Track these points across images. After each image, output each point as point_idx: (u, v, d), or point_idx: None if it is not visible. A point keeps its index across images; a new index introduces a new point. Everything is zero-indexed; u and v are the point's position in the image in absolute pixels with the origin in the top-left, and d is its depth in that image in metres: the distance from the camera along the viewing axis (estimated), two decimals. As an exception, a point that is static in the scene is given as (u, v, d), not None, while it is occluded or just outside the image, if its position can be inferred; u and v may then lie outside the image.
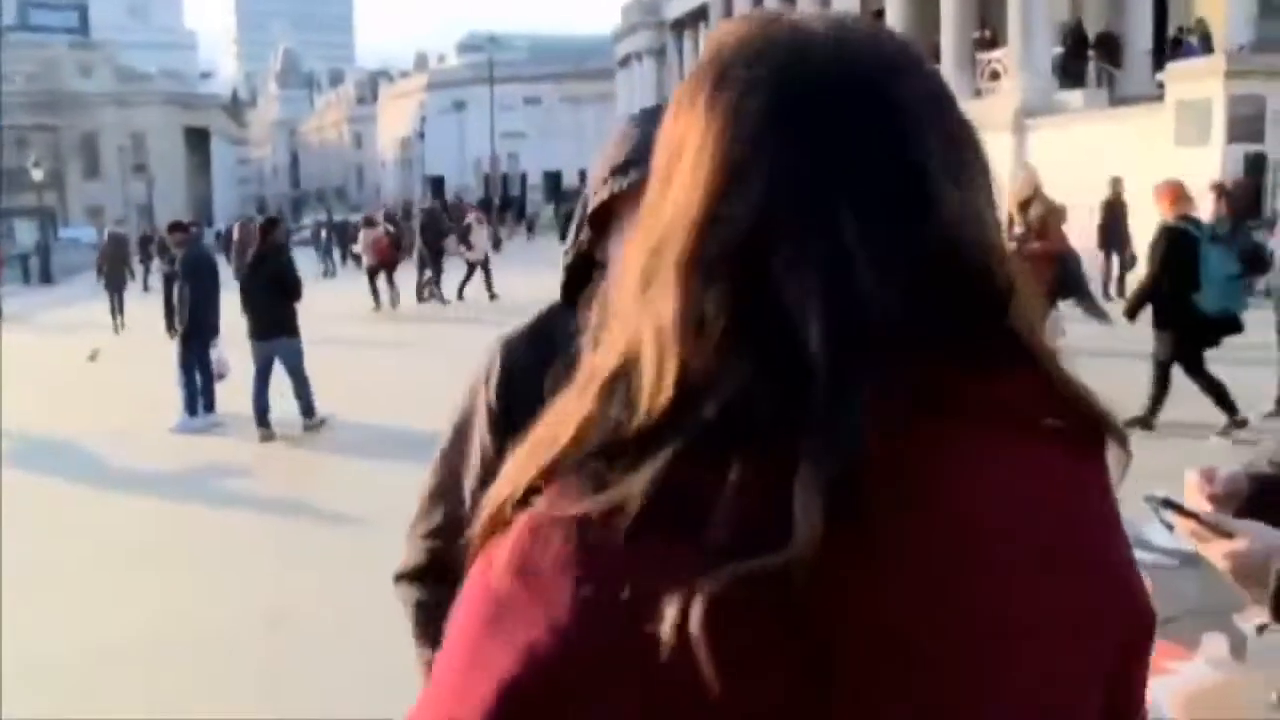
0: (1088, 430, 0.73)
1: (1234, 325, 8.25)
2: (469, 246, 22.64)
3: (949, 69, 29.81)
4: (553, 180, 70.62)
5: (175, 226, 12.86)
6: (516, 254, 35.18)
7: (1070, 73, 27.04)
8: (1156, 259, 8.31)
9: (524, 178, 72.31)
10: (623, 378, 0.67)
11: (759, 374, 0.63)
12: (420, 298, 22.47)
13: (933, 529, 0.64)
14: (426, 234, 23.20)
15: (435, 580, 1.72)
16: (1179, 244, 8.11)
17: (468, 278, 22.27)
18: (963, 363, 0.67)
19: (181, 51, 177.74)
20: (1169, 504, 1.78)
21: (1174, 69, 21.88)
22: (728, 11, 44.63)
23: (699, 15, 49.20)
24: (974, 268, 0.69)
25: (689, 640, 0.58)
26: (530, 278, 21.26)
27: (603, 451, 0.65)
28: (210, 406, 10.94)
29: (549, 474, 0.67)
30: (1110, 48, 27.69)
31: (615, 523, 0.62)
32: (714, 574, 0.59)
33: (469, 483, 1.71)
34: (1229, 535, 1.74)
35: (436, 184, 72.62)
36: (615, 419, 0.66)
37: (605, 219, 1.59)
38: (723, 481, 0.61)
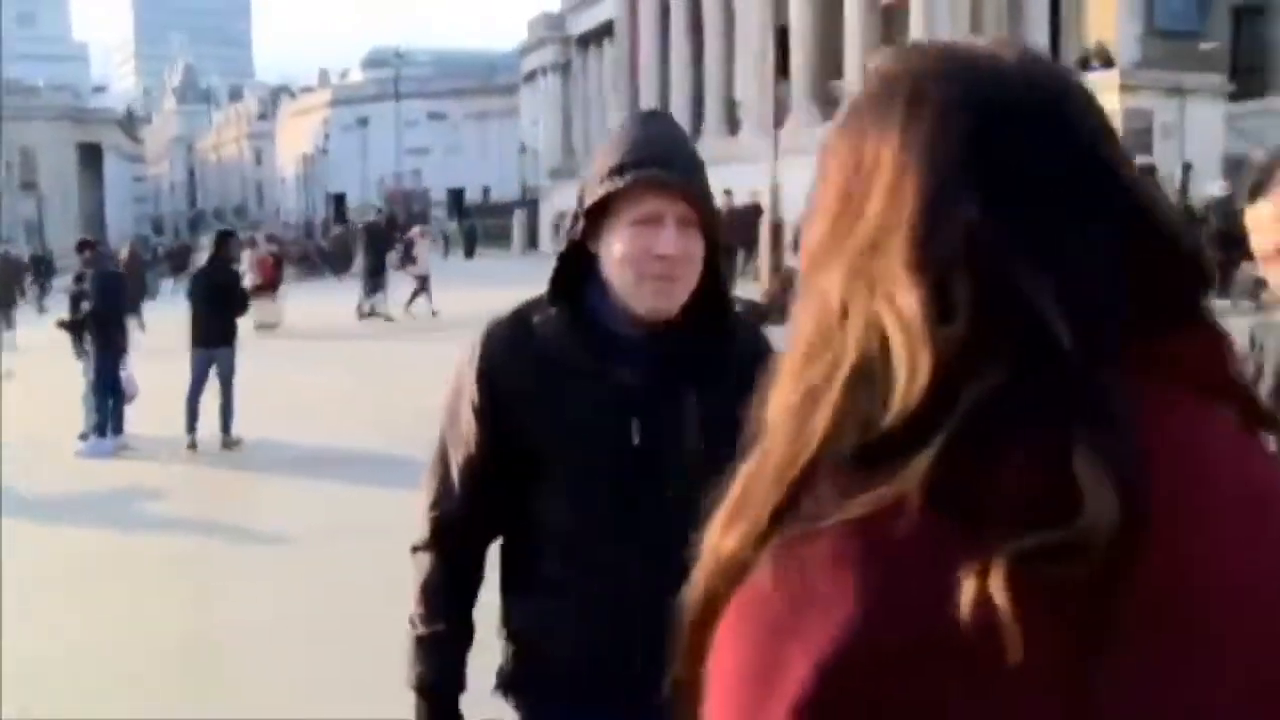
0: (1249, 401, 0.78)
1: None
2: (413, 262, 22.47)
3: (854, 85, 30.36)
4: (456, 197, 70.31)
5: (84, 245, 12.57)
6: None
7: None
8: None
9: (427, 195, 71.94)
10: (865, 376, 0.70)
11: (1015, 364, 0.67)
12: (361, 314, 22.11)
13: (1197, 495, 0.68)
14: (370, 251, 22.89)
15: (438, 548, 1.91)
16: None
17: (416, 293, 22.10)
18: (1169, 336, 0.73)
19: (72, 64, 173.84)
20: None
21: (1069, 84, 22.54)
22: (633, 28, 44.85)
23: (604, 31, 49.39)
24: (1175, 253, 0.76)
25: (990, 614, 0.61)
26: (462, 294, 21.28)
27: (861, 450, 0.69)
28: (119, 429, 10.70)
29: (796, 487, 0.71)
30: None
31: (895, 517, 0.65)
32: (1010, 547, 0.62)
33: (456, 456, 1.87)
34: None
35: (339, 201, 71.81)
36: (865, 416, 0.69)
37: (599, 214, 1.73)
38: (996, 467, 0.65)
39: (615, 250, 1.75)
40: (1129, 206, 0.75)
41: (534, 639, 1.92)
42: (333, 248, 42.02)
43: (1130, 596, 0.64)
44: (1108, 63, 24.26)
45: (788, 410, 0.75)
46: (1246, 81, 27.89)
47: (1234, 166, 20.52)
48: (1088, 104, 0.79)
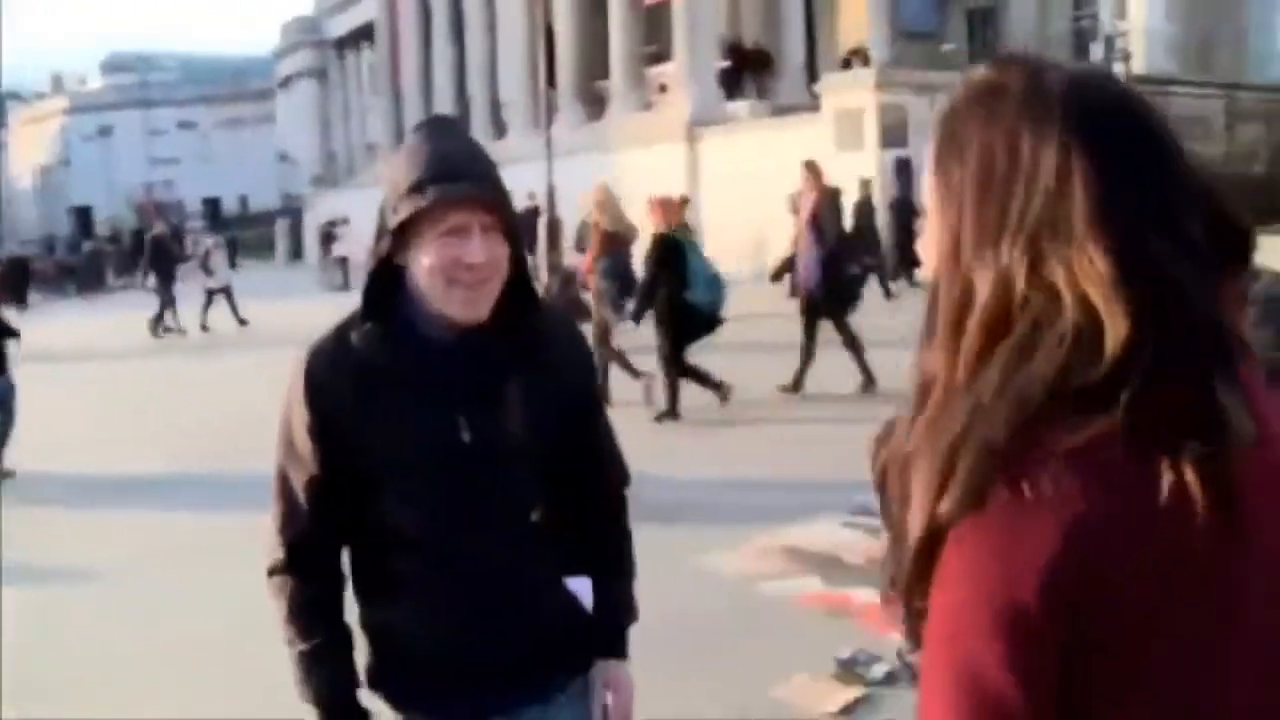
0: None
1: (717, 320, 9.41)
2: (209, 273, 21.36)
3: (619, 84, 30.76)
4: (212, 207, 67.66)
5: None
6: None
7: (732, 85, 28.51)
8: (651, 264, 9.39)
9: (180, 205, 68.99)
10: (1074, 332, 0.90)
11: (1172, 325, 0.90)
12: (155, 333, 20.82)
13: (1258, 403, 0.94)
14: (158, 263, 21.43)
15: (294, 569, 1.93)
16: (670, 250, 9.14)
17: (208, 305, 20.99)
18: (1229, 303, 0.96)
19: None
20: None
21: (829, 81, 23.51)
22: (394, 31, 44.16)
23: (363, 34, 48.43)
24: (1236, 234, 0.99)
25: (1182, 495, 0.87)
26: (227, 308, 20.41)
27: (1080, 393, 0.89)
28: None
29: (1028, 429, 0.90)
30: (763, 62, 29.41)
31: (1106, 444, 0.88)
32: (1192, 450, 0.87)
33: (297, 479, 1.90)
34: None
35: (82, 214, 68.07)
36: (1080, 363, 0.89)
37: (404, 229, 1.79)
38: (1167, 400, 0.88)
39: (424, 262, 1.81)
40: (1202, 186, 0.97)
41: (390, 637, 1.97)
42: (81, 264, 39.78)
43: (1252, 479, 0.91)
44: (867, 62, 25.43)
45: (984, 365, 0.93)
46: (984, 79, 29.64)
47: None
48: (1160, 113, 1.00)
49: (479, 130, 37.75)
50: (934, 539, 0.92)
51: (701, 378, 9.54)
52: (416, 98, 42.76)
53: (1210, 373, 0.89)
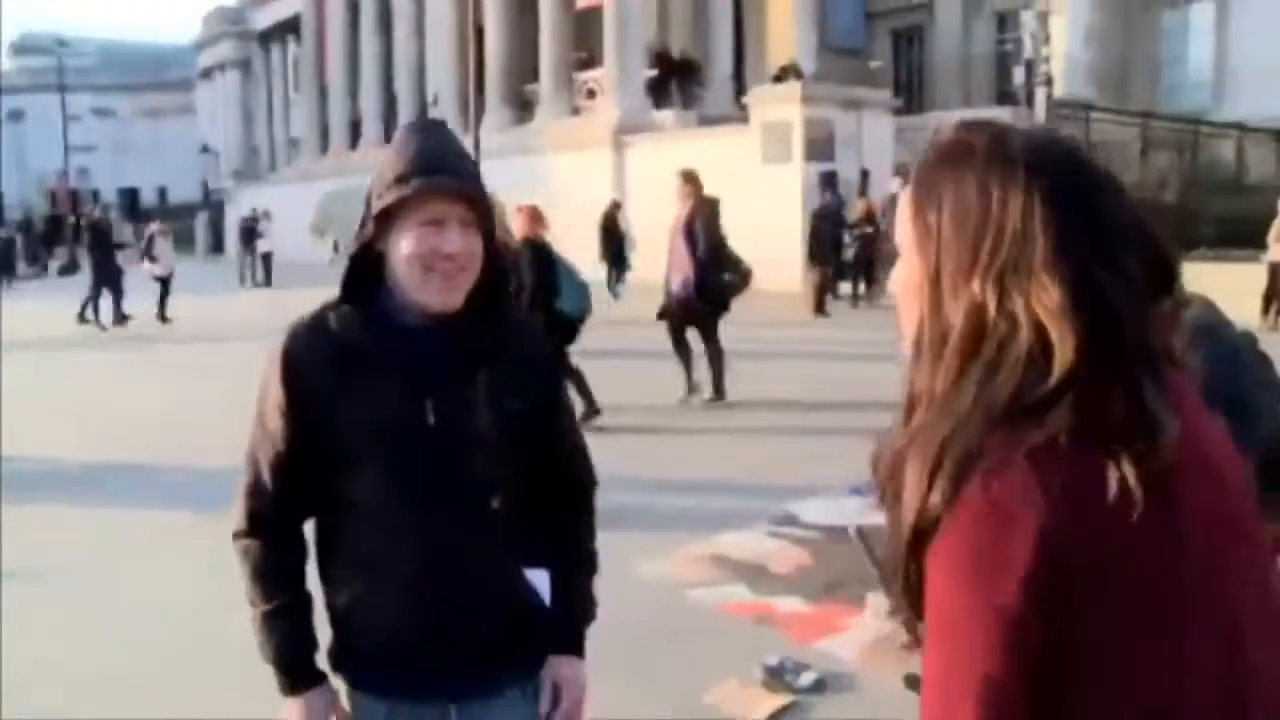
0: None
1: (579, 327, 9.56)
2: (154, 260, 20.62)
3: (547, 88, 30.75)
4: (130, 198, 66.28)
5: None
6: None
7: (659, 94, 28.65)
8: (531, 273, 9.37)
9: (96, 195, 67.52)
10: (1029, 354, 1.06)
11: (1110, 345, 1.06)
12: (82, 318, 19.91)
13: (1186, 409, 1.11)
14: (96, 250, 20.56)
15: (257, 535, 2.02)
16: (542, 259, 9.29)
17: (164, 295, 20.24)
18: (1161, 326, 1.13)
19: None
20: None
21: (757, 94, 23.72)
22: (320, 25, 43.67)
23: (288, 27, 47.83)
24: (1166, 268, 1.16)
25: (1126, 491, 1.02)
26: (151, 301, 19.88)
27: (1035, 402, 1.05)
28: None
29: (985, 436, 1.06)
30: (690, 71, 29.59)
31: (1057, 443, 1.03)
32: (1131, 451, 1.03)
33: (264, 454, 1.99)
34: None
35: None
36: (1033, 379, 1.05)
37: (387, 217, 1.90)
38: (1110, 407, 1.05)
39: (403, 250, 1.89)
40: (1137, 224, 1.14)
41: (353, 617, 2.01)
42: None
43: (1183, 472, 1.08)
44: (799, 77, 25.68)
45: (962, 381, 1.09)
46: (908, 98, 30.17)
47: (904, 172, 22.15)
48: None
49: (405, 129, 37.51)
50: (923, 531, 1.08)
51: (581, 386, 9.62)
52: (342, 94, 42.36)
53: (1140, 383, 1.06)
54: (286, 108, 50.07)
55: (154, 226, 22.13)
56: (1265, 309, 14.06)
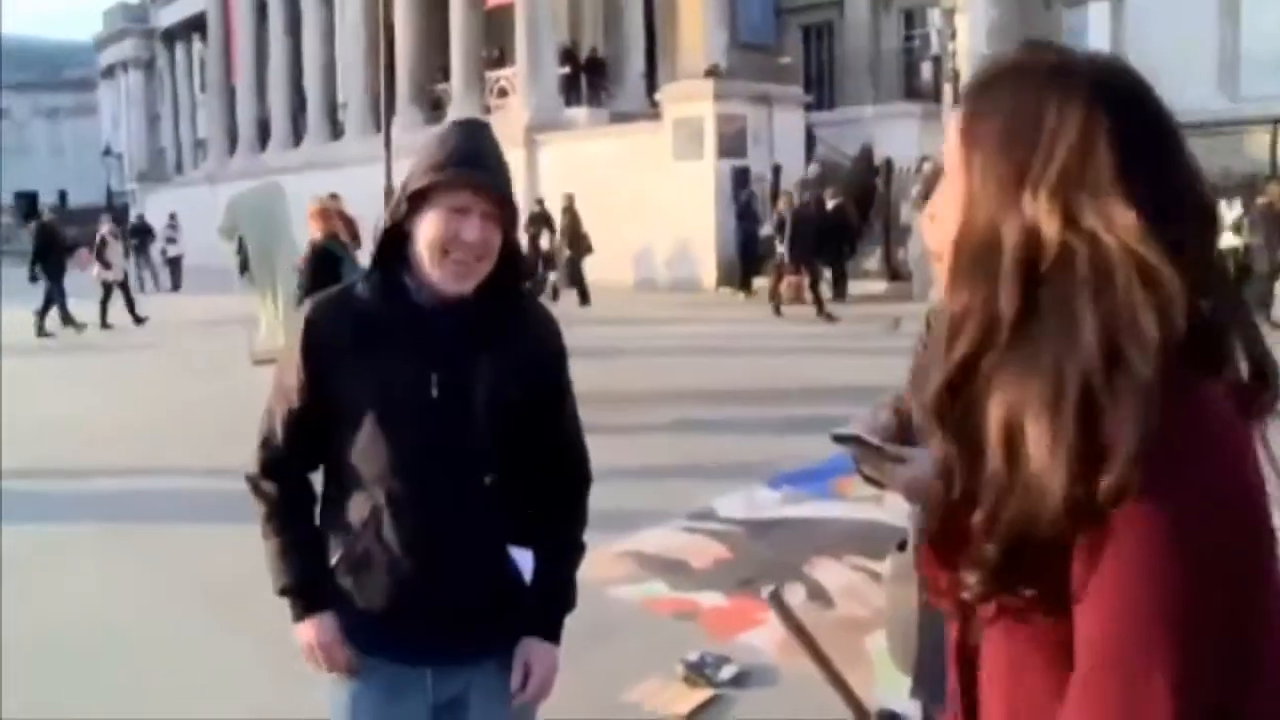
0: None
1: None
2: (105, 265, 19.67)
3: (458, 86, 30.55)
4: (27, 202, 64.49)
5: None
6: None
7: (570, 92, 28.61)
8: (306, 273, 9.63)
9: (-8, 199, 65.67)
10: (1131, 278, 0.98)
11: (1217, 284, 1.03)
12: (41, 332, 18.68)
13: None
14: (47, 255, 19.31)
15: (269, 477, 2.19)
16: (324, 259, 9.39)
17: (107, 299, 19.31)
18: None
19: None
20: (854, 439, 2.09)
21: (669, 90, 23.80)
22: (226, 24, 42.90)
23: (193, 25, 46.89)
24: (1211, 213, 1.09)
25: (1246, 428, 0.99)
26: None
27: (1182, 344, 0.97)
28: None
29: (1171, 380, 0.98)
30: (598, 70, 29.59)
31: (1228, 407, 0.99)
32: (1263, 400, 1.01)
33: (280, 408, 2.15)
34: (903, 461, 2.07)
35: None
36: (1170, 314, 0.97)
37: (419, 200, 2.04)
38: (1231, 354, 1.01)
39: (427, 232, 2.04)
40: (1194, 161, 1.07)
41: (342, 575, 2.14)
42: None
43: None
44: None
45: (1055, 309, 1.00)
46: (818, 93, 30.48)
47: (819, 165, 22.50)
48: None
49: (315, 131, 37.06)
50: (1081, 517, 0.95)
51: None
52: (250, 94, 41.68)
53: (1257, 330, 1.03)
54: (193, 108, 49.10)
55: (105, 229, 20.91)
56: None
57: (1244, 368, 1.01)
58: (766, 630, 4.86)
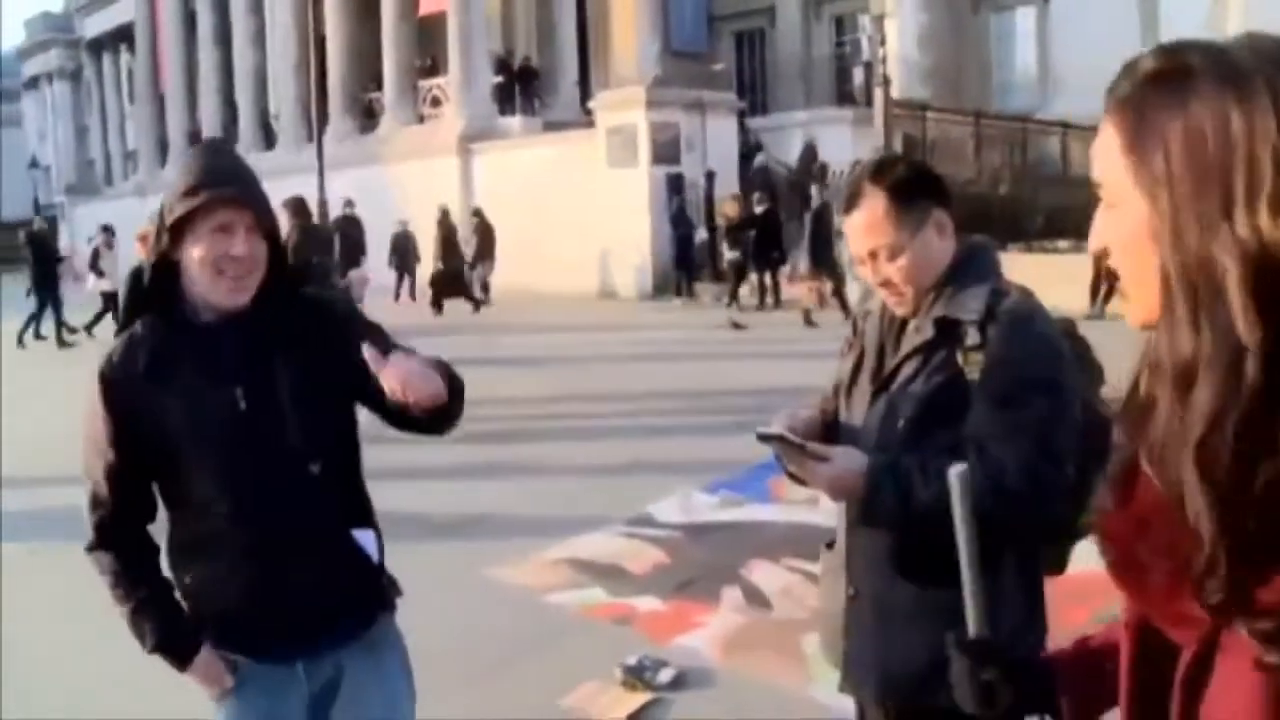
0: None
1: None
2: (100, 274, 18.85)
3: (391, 96, 30.39)
4: (-48, 215, 63.14)
5: None
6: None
7: (504, 101, 28.57)
8: (126, 296, 9.82)
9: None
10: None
11: None
12: (22, 340, 18.34)
13: None
14: (41, 265, 18.72)
15: (107, 545, 2.22)
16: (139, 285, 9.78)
17: (105, 312, 18.29)
18: None
19: None
20: (779, 438, 2.16)
21: (602, 98, 23.83)
22: (152, 31, 42.32)
23: (120, 35, 46.15)
24: None
25: None
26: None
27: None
28: None
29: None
30: (531, 78, 29.57)
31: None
32: None
33: (97, 467, 2.18)
34: (826, 459, 2.14)
35: None
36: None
37: (180, 229, 2.11)
38: None
39: (195, 255, 2.11)
40: None
41: (200, 594, 2.23)
42: None
43: None
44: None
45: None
46: (752, 99, 30.71)
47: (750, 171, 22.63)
48: None
49: (247, 141, 36.63)
50: None
51: None
52: (180, 105, 41.11)
53: None
54: (122, 119, 48.34)
55: (99, 238, 19.94)
56: (1093, 296, 14.67)
57: None
58: (704, 632, 4.92)
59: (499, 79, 28.82)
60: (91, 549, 2.22)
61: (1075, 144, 23.27)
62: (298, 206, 10.01)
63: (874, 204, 2.22)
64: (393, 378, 2.00)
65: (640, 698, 4.25)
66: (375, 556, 2.29)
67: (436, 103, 29.74)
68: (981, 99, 26.94)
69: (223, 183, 2.12)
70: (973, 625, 1.54)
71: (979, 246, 2.33)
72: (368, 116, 32.07)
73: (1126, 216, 1.02)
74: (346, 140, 30.37)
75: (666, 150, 22.08)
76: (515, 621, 5.10)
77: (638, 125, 21.94)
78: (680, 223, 20.96)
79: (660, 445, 8.74)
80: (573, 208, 22.53)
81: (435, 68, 30.49)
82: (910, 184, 2.23)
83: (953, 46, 28.69)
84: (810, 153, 22.72)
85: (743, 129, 24.79)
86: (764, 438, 2.19)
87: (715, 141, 22.85)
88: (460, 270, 21.22)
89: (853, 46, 30.29)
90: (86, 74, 51.04)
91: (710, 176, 22.22)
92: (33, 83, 56.12)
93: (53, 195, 50.02)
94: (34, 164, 52.06)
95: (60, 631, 5.20)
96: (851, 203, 2.27)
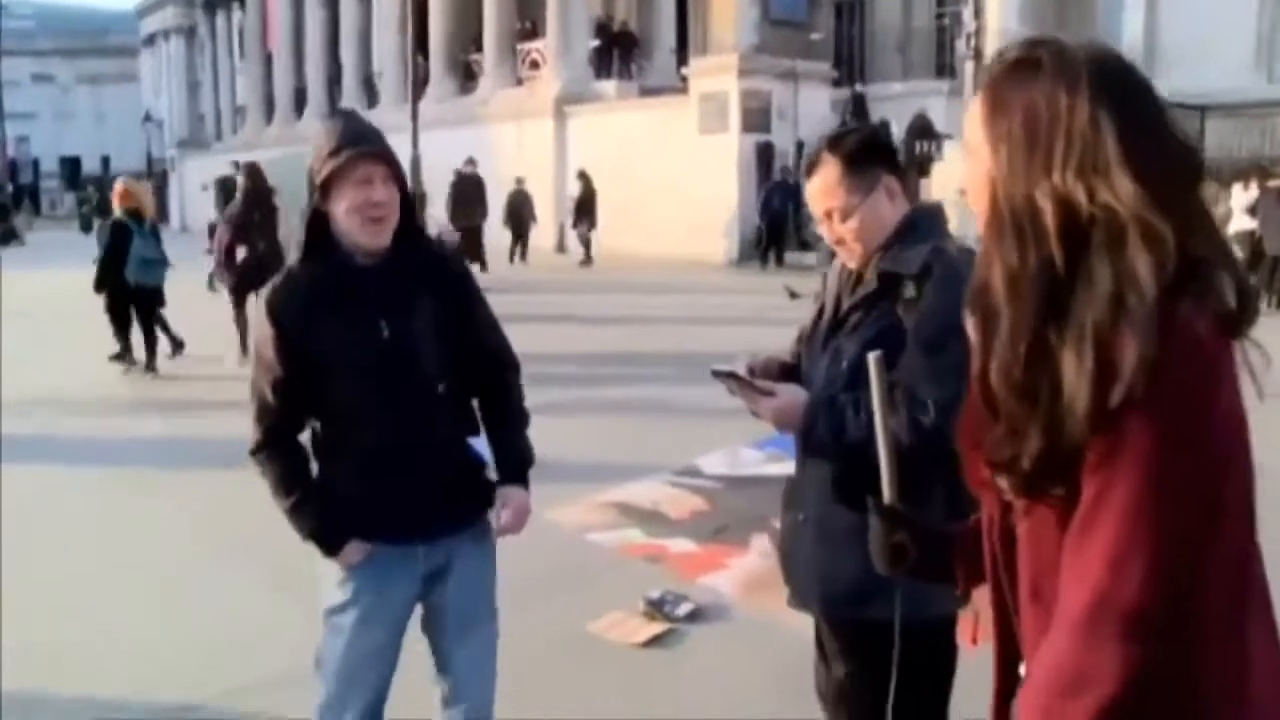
0: None
1: (156, 293, 11.28)
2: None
3: (491, 58, 30.83)
4: (71, 167, 65.48)
5: None
6: (45, 247, 32.54)
7: (601, 65, 28.82)
8: (106, 247, 11.20)
9: (36, 164, 66.54)
10: (1136, 237, 1.22)
11: (1204, 236, 1.26)
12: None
13: None
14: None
15: (271, 447, 2.67)
16: (120, 233, 10.98)
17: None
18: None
19: None
20: (731, 375, 2.47)
21: (696, 65, 23.99)
22: (264, -9, 43.19)
23: (233, -7, 47.15)
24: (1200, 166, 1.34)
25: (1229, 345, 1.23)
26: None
27: (1172, 284, 1.21)
28: None
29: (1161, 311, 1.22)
30: (629, 44, 29.75)
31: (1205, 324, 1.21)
32: (1240, 320, 1.24)
33: (265, 380, 2.62)
34: (772, 394, 2.43)
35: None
36: (1160, 263, 1.21)
37: (329, 185, 2.52)
38: (1221, 289, 1.24)
39: (344, 205, 2.53)
40: (1177, 125, 1.31)
41: (342, 487, 2.67)
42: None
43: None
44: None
45: (1083, 264, 1.24)
46: (847, 69, 30.53)
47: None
48: None
49: (351, 98, 37.41)
50: (1104, 415, 1.19)
51: (150, 341, 11.35)
52: (287, 63, 42.05)
53: (1242, 273, 1.27)
54: (232, 76, 49.52)
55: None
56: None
57: (1229, 296, 1.23)
58: (729, 574, 5.22)
59: (596, 43, 29.07)
60: (257, 451, 2.68)
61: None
62: (251, 170, 11.49)
63: (829, 170, 2.48)
64: (506, 519, 2.77)
65: (658, 627, 4.57)
66: (488, 458, 2.80)
67: (535, 65, 30.11)
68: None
69: (359, 141, 2.53)
70: (887, 494, 1.81)
71: (927, 209, 2.58)
72: (468, 78, 32.57)
73: (979, 165, 1.35)
74: (447, 101, 30.91)
75: (757, 118, 22.20)
76: (552, 556, 5.43)
77: (729, 93, 22.08)
78: (775, 191, 21.04)
79: (718, 402, 8.98)
80: (664, 172, 22.76)
81: (535, 30, 30.83)
82: (862, 153, 2.48)
83: (1056, 19, 28.16)
84: (921, 122, 22.48)
85: (860, 102, 24.57)
86: (718, 374, 2.50)
87: (806, 111, 22.88)
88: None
89: (953, 18, 29.92)
90: (201, 32, 52.33)
91: (800, 146, 22.25)
92: (149, 40, 57.70)
93: (165, 149, 51.53)
94: (147, 118, 53.69)
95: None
96: (810, 169, 2.54)
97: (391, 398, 2.60)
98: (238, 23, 48.07)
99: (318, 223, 2.59)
